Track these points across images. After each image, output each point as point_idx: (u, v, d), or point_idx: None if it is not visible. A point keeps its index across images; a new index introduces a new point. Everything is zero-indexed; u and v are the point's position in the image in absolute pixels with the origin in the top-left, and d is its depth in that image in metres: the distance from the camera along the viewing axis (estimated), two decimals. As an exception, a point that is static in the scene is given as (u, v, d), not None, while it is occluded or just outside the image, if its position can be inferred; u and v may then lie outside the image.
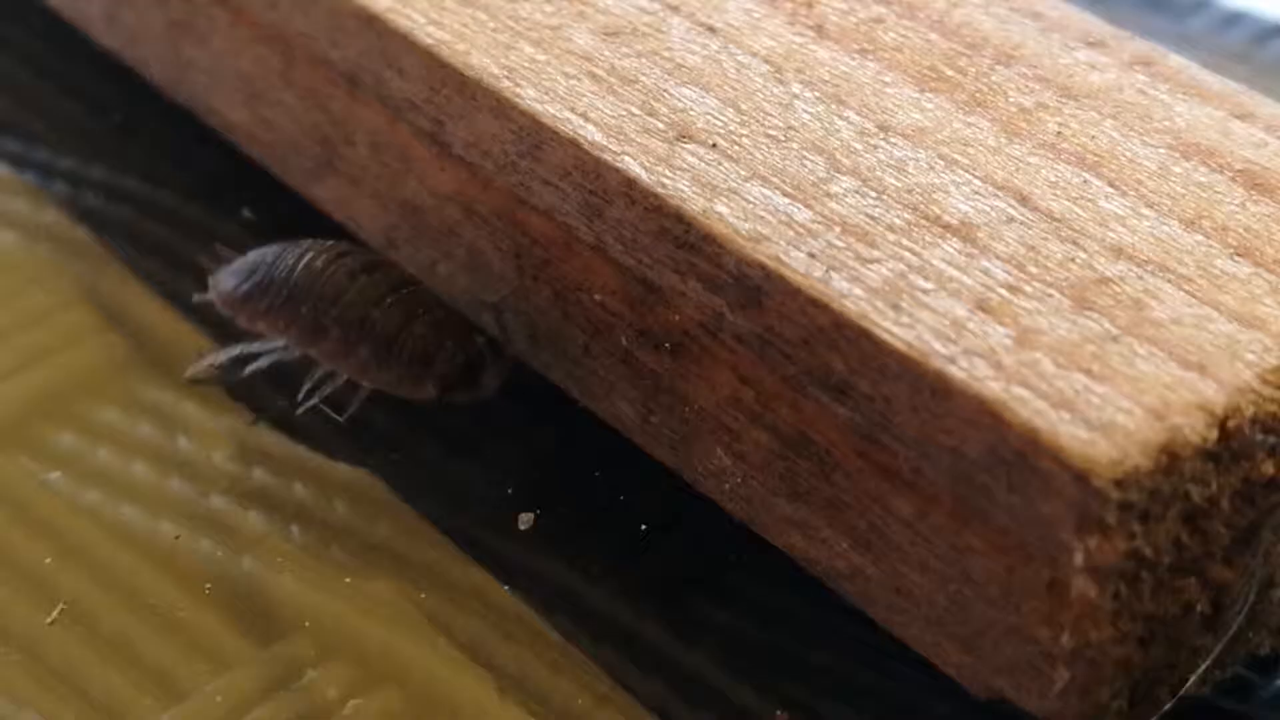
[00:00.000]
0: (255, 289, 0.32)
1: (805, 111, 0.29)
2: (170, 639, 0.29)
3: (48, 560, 0.31)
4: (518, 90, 0.30)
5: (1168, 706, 0.26)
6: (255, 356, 0.33)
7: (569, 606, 0.30)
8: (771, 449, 0.28)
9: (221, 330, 0.34)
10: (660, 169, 0.28)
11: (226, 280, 0.33)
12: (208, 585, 0.30)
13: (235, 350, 0.33)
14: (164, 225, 0.37)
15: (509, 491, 0.31)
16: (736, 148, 0.29)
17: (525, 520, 0.31)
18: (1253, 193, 0.28)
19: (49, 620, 0.30)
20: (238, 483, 0.32)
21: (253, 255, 0.33)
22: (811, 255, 0.27)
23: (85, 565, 0.31)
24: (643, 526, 0.31)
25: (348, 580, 0.30)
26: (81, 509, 0.32)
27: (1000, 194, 0.28)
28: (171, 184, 0.38)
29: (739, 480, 0.29)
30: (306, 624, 0.30)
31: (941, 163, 0.28)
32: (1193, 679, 0.26)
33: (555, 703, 0.28)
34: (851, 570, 0.28)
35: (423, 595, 0.30)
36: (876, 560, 0.27)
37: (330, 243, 0.32)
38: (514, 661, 0.29)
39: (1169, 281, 0.26)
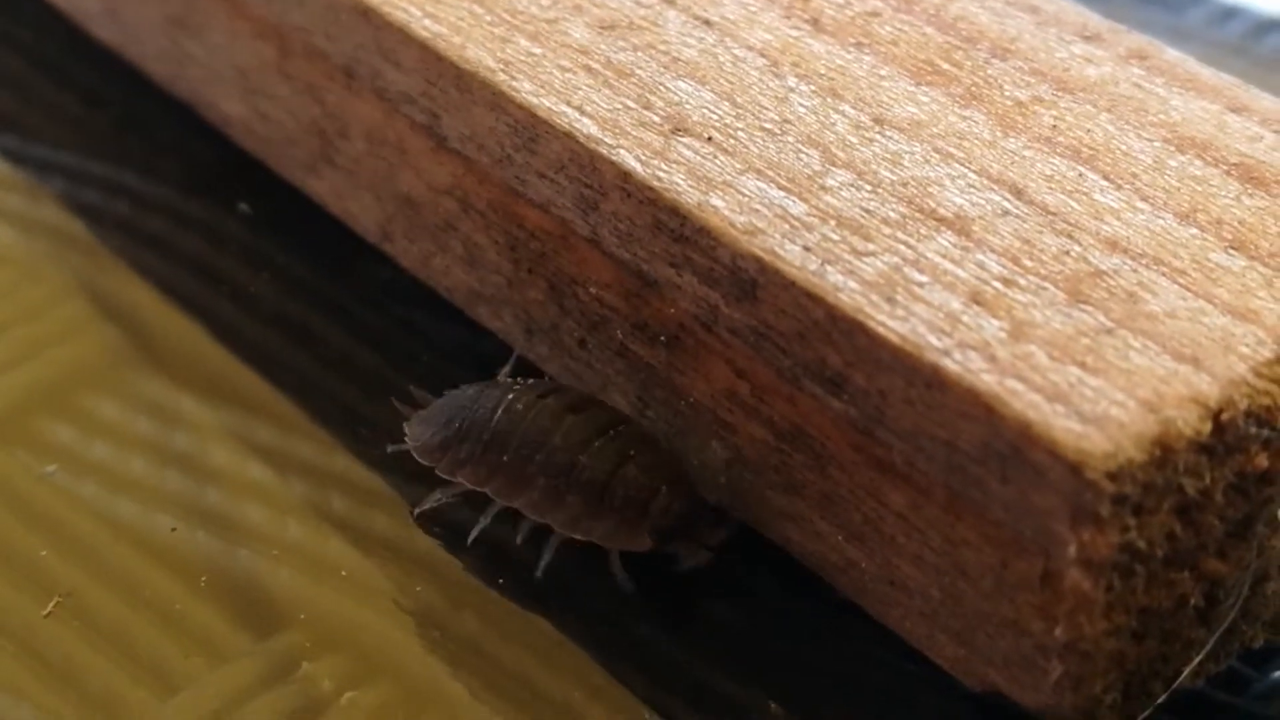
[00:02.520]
0: (453, 437, 0.30)
1: (801, 105, 0.30)
2: (166, 631, 0.29)
3: (44, 553, 0.31)
4: (514, 83, 0.30)
5: (1161, 699, 0.26)
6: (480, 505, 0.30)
7: (565, 601, 0.30)
8: (766, 442, 0.28)
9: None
10: (656, 162, 0.28)
11: (422, 428, 0.31)
12: (204, 578, 0.30)
13: (461, 487, 0.30)
14: (161, 219, 0.37)
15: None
16: (732, 141, 0.29)
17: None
18: (1248, 186, 0.28)
19: (45, 613, 0.30)
20: (235, 477, 0.32)
21: (448, 399, 0.31)
22: (806, 248, 0.27)
23: (82, 558, 0.31)
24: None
25: (344, 574, 0.30)
26: (78, 502, 0.32)
27: (995, 187, 0.28)
28: (168, 178, 0.38)
29: (734, 473, 0.29)
30: (302, 617, 0.30)
31: (937, 156, 0.28)
32: (1186, 672, 0.26)
33: (550, 696, 0.29)
34: (845, 563, 0.28)
35: (419, 588, 0.30)
36: (870, 553, 0.27)
37: (530, 382, 0.30)
38: (509, 655, 0.29)
39: (1163, 275, 0.26)
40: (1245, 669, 0.29)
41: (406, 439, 0.31)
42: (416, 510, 0.31)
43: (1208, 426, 0.24)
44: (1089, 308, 0.26)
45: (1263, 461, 0.25)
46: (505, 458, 0.29)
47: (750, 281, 0.27)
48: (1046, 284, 0.26)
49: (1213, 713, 0.28)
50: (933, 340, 0.25)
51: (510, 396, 0.30)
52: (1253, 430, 0.25)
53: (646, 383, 0.30)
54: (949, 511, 0.26)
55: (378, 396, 0.34)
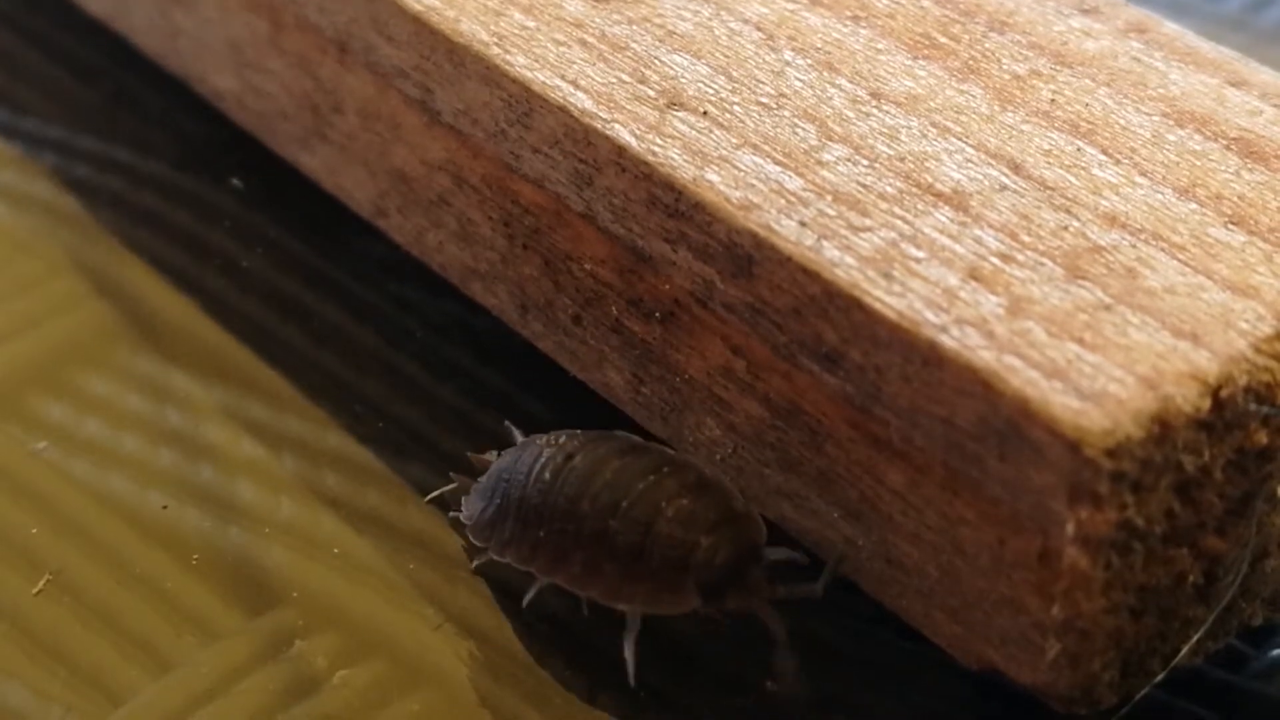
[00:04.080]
0: (497, 515, 0.28)
1: (797, 79, 0.29)
2: (158, 609, 0.29)
3: (34, 530, 0.31)
4: (507, 57, 0.30)
5: (1160, 678, 0.26)
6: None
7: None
8: (763, 419, 0.28)
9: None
10: (651, 137, 0.28)
11: (473, 503, 0.29)
12: (195, 556, 0.30)
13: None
14: (153, 194, 0.37)
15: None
16: (728, 115, 0.28)
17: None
18: (1247, 161, 0.28)
19: (35, 590, 0.30)
20: (227, 454, 0.32)
21: (495, 464, 0.29)
22: (803, 224, 0.27)
23: (72, 535, 0.30)
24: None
25: (336, 551, 0.30)
26: (69, 479, 0.31)
27: (993, 162, 0.28)
28: (161, 152, 0.38)
29: (730, 451, 0.29)
30: (295, 594, 0.29)
31: (934, 130, 0.28)
32: (1185, 650, 0.26)
33: (545, 674, 0.28)
34: (842, 541, 0.27)
35: (412, 565, 0.30)
36: (867, 531, 0.27)
37: (562, 438, 0.28)
38: (503, 632, 0.29)
39: (1162, 250, 0.26)
40: (1244, 647, 0.28)
41: (463, 517, 0.29)
42: (474, 564, 0.29)
43: (1207, 403, 0.24)
44: (1087, 283, 0.26)
45: (1262, 438, 0.25)
46: (541, 534, 0.28)
47: (746, 257, 0.27)
48: (1044, 259, 0.26)
49: (1211, 690, 0.28)
50: (930, 316, 0.25)
51: (541, 461, 0.28)
52: (1252, 407, 0.25)
53: (641, 359, 0.29)
54: (946, 489, 0.25)
55: (371, 372, 0.33)
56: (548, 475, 0.28)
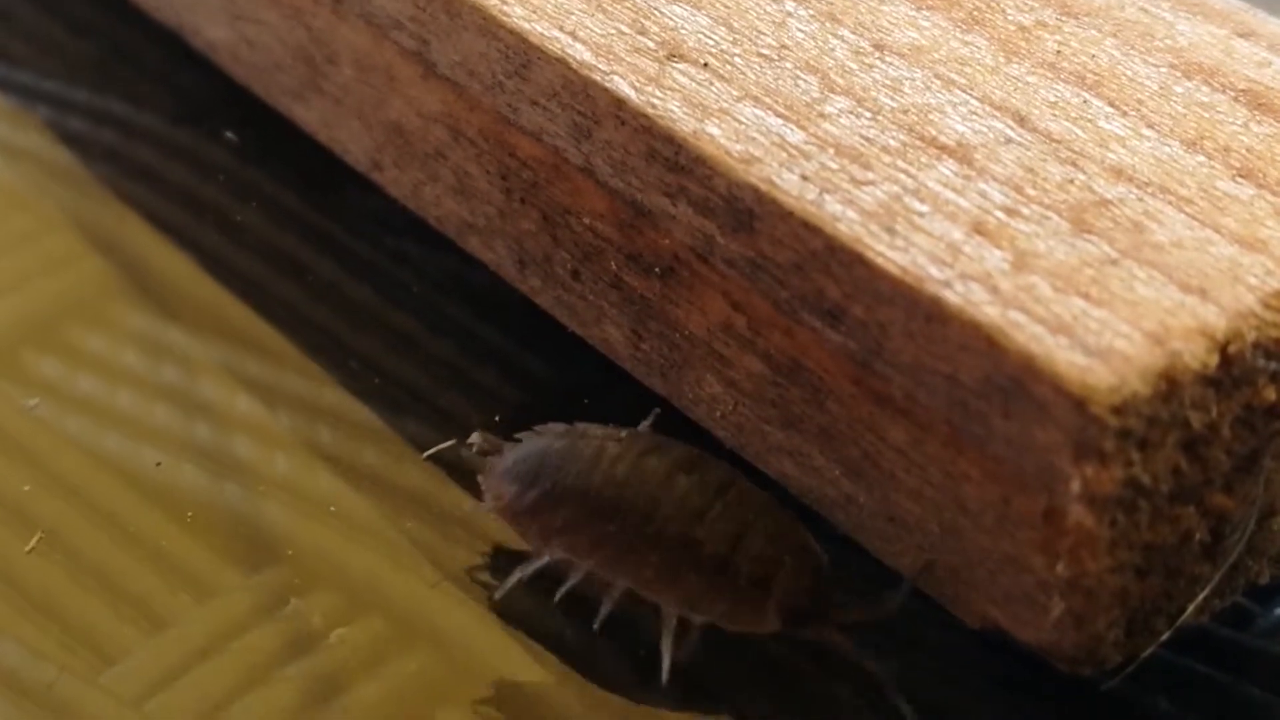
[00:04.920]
0: (545, 500, 0.27)
1: (799, 30, 0.29)
2: (152, 567, 0.29)
3: (27, 488, 0.30)
4: (505, 8, 0.29)
5: (1165, 637, 0.25)
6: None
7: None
8: (764, 376, 0.27)
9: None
10: (650, 89, 0.28)
11: (505, 484, 0.27)
12: (190, 513, 0.30)
13: (541, 563, 0.27)
14: (148, 147, 0.37)
15: (496, 419, 0.31)
16: (728, 67, 0.28)
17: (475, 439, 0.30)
18: (1256, 113, 0.27)
19: (28, 549, 0.29)
20: (222, 410, 0.32)
21: (531, 448, 0.27)
22: (804, 177, 0.26)
23: (66, 493, 0.30)
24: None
25: (332, 509, 0.30)
26: (63, 436, 0.31)
27: (998, 114, 0.27)
28: (155, 106, 0.38)
29: (730, 408, 0.28)
30: (290, 552, 0.29)
31: (938, 82, 0.28)
32: (1191, 608, 0.25)
33: (542, 631, 0.28)
34: (844, 499, 0.27)
35: (409, 523, 0.30)
36: (869, 488, 0.27)
37: (624, 434, 0.27)
38: (497, 587, 0.29)
39: (1170, 204, 0.26)
40: (1251, 605, 0.28)
41: (485, 495, 0.28)
42: (497, 594, 0.28)
43: (1215, 359, 0.24)
44: (1093, 238, 0.25)
45: (1270, 395, 0.25)
46: (612, 528, 0.26)
47: (747, 211, 0.27)
48: (1050, 213, 0.26)
49: (1217, 649, 0.28)
50: (933, 271, 0.25)
51: (610, 455, 0.27)
52: (1261, 363, 0.24)
53: (641, 315, 0.29)
54: (949, 446, 0.25)
55: (368, 328, 0.33)
56: (623, 470, 0.26)
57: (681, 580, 0.26)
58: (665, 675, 0.26)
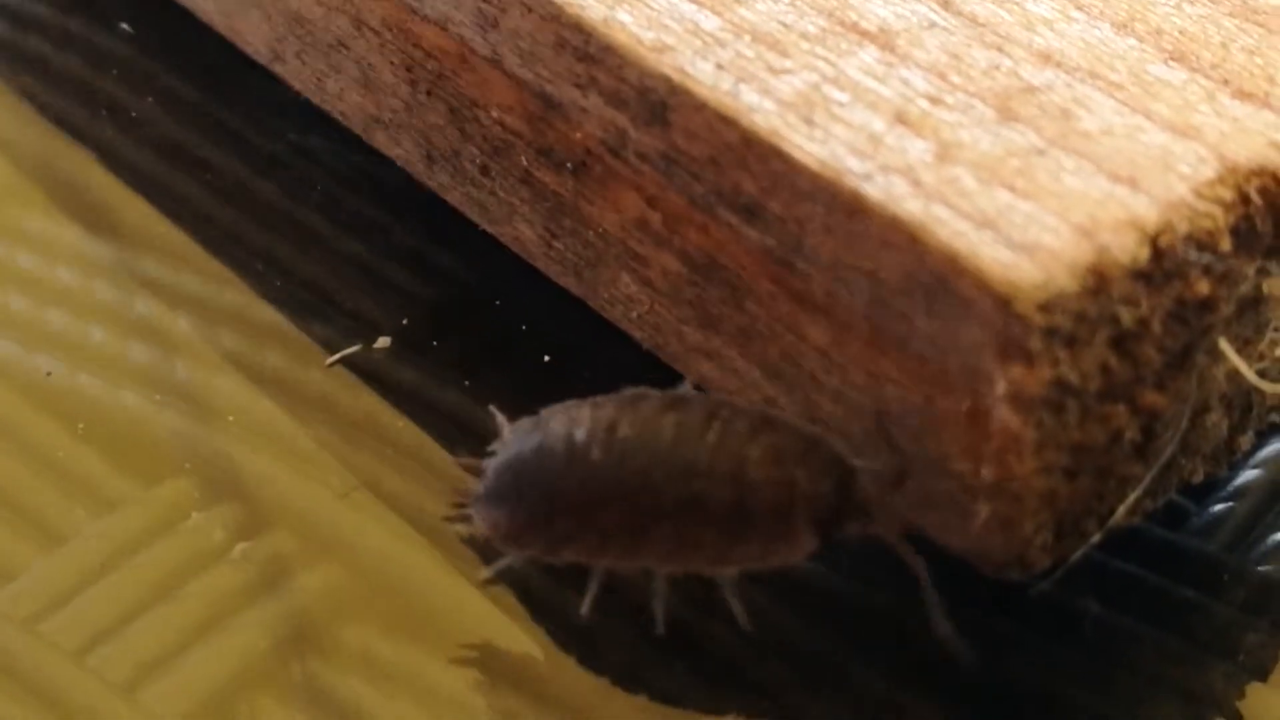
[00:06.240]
0: (536, 516, 0.25)
1: (714, -90, 0.28)
2: (47, 480, 0.28)
3: (-88, 398, 0.29)
4: (405, -111, 0.28)
5: (1095, 540, 0.25)
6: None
7: (468, 439, 0.28)
8: (680, 274, 0.26)
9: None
10: (558, -27, 0.27)
11: (494, 511, 0.25)
12: (82, 424, 0.29)
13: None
14: (39, 38, 0.36)
15: (404, 322, 0.30)
16: (639, -50, 0.27)
17: (382, 342, 0.29)
18: (1189, -7, 0.27)
19: (-85, 463, 0.28)
20: (119, 314, 0.30)
21: (506, 459, 0.25)
22: (719, 66, 0.25)
23: (-46, 404, 0.29)
24: (545, 358, 0.29)
25: (233, 417, 0.29)
26: (-51, 343, 0.30)
27: (921, -3, 0.26)
28: (48, -4, 0.36)
29: (647, 308, 0.27)
30: (190, 464, 0.28)
31: (859, -36, 0.27)
32: (1121, 510, 0.25)
33: (448, 533, 0.27)
34: (765, 401, 0.26)
35: (315, 430, 0.29)
36: (789, 390, 0.26)
37: (583, 410, 0.25)
38: (410, 495, 0.28)
39: (1099, 89, 0.25)
40: (1186, 503, 0.27)
41: (482, 528, 0.26)
42: (486, 575, 0.26)
43: (1145, 252, 0.23)
44: (1020, 126, 0.24)
45: (1203, 288, 0.24)
46: (610, 518, 0.24)
47: (659, 103, 0.25)
48: (975, 101, 0.25)
49: (1150, 549, 0.27)
50: (853, 164, 0.24)
51: (577, 444, 0.24)
52: (1193, 255, 0.23)
53: (553, 212, 0.28)
54: (871, 347, 0.24)
55: (273, 226, 0.32)
56: (596, 453, 0.24)
57: (701, 540, 0.24)
58: (742, 620, 0.25)
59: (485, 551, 0.26)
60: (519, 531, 0.25)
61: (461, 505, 0.26)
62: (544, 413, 0.25)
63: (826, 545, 0.24)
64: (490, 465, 0.25)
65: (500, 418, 0.26)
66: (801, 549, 0.24)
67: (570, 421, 0.25)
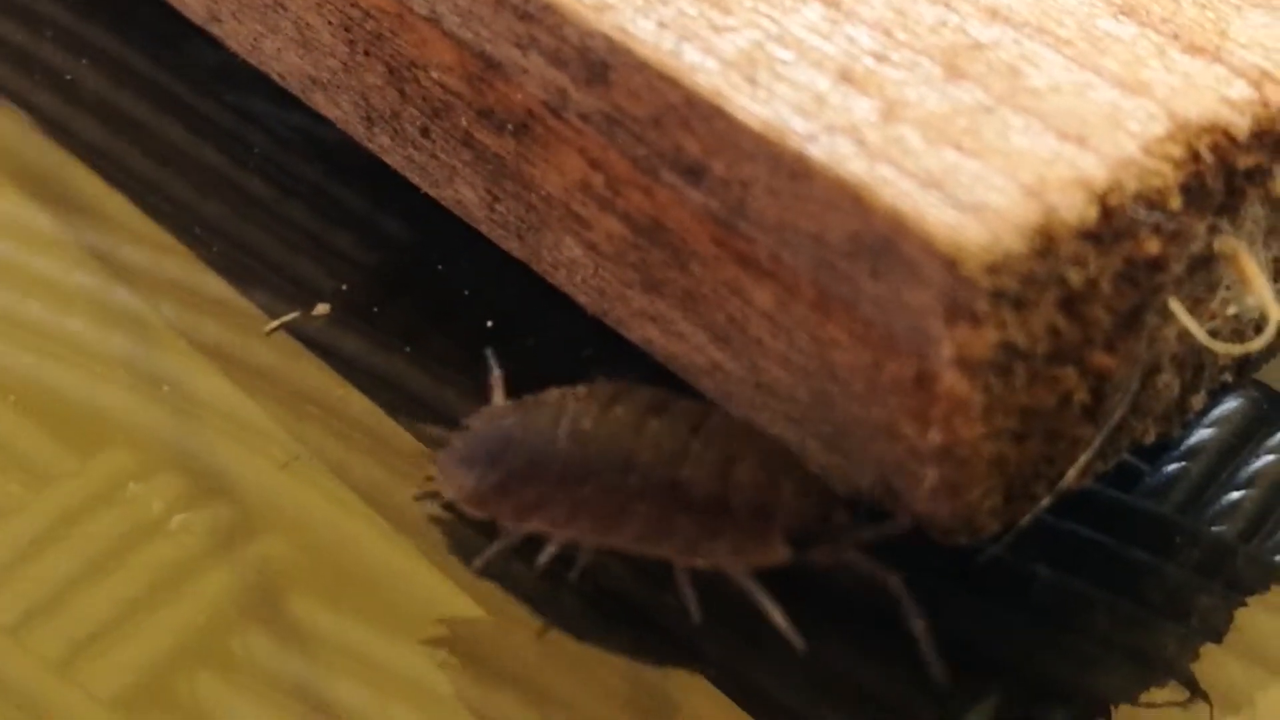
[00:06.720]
0: (510, 478, 0.25)
1: None
2: (-20, 453, 0.28)
3: None
4: None
5: (1044, 504, 0.24)
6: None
7: (413, 407, 0.28)
8: (624, 238, 0.26)
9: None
10: (496, -69, 0.26)
11: (464, 473, 0.25)
12: (13, 396, 0.28)
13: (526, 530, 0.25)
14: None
15: (343, 288, 0.29)
16: (579, -94, 0.26)
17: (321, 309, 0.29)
18: (1139, -55, 0.26)
19: None
20: (56, 283, 0.30)
21: (484, 430, 0.25)
22: (661, 24, 0.25)
23: (-116, 376, 0.29)
24: (489, 323, 0.29)
25: (166, 388, 0.28)
26: (-119, 314, 0.29)
27: (866, -47, 0.26)
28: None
29: (591, 271, 0.27)
30: (126, 435, 0.28)
31: (803, -81, 0.26)
32: (1072, 473, 0.24)
33: (402, 512, 0.27)
34: (710, 365, 0.26)
35: (256, 399, 0.28)
36: (736, 355, 0.25)
37: (580, 390, 0.25)
38: (354, 464, 0.27)
39: (1047, 45, 0.24)
40: (1139, 463, 0.27)
41: (442, 488, 0.25)
42: (476, 565, 0.26)
43: (1094, 212, 0.23)
44: (967, 84, 0.24)
45: (1153, 247, 0.23)
46: (588, 491, 0.24)
47: (600, 63, 0.25)
48: (921, 58, 0.24)
49: (1102, 511, 0.27)
50: (797, 124, 0.23)
51: (571, 414, 0.25)
52: (1142, 214, 0.23)
53: (495, 175, 0.27)
54: (817, 310, 0.24)
55: (212, 191, 0.31)
56: (588, 424, 0.24)
57: (676, 527, 0.24)
58: (694, 612, 0.25)
59: (449, 530, 0.26)
60: (490, 494, 0.25)
61: (430, 481, 0.25)
62: (527, 397, 0.25)
63: (795, 561, 0.24)
64: (462, 435, 0.25)
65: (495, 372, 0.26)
66: (772, 555, 0.24)
67: (569, 397, 0.25)
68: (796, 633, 0.24)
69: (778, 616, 0.24)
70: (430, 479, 0.26)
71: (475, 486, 0.25)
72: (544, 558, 0.25)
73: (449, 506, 0.26)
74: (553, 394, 0.25)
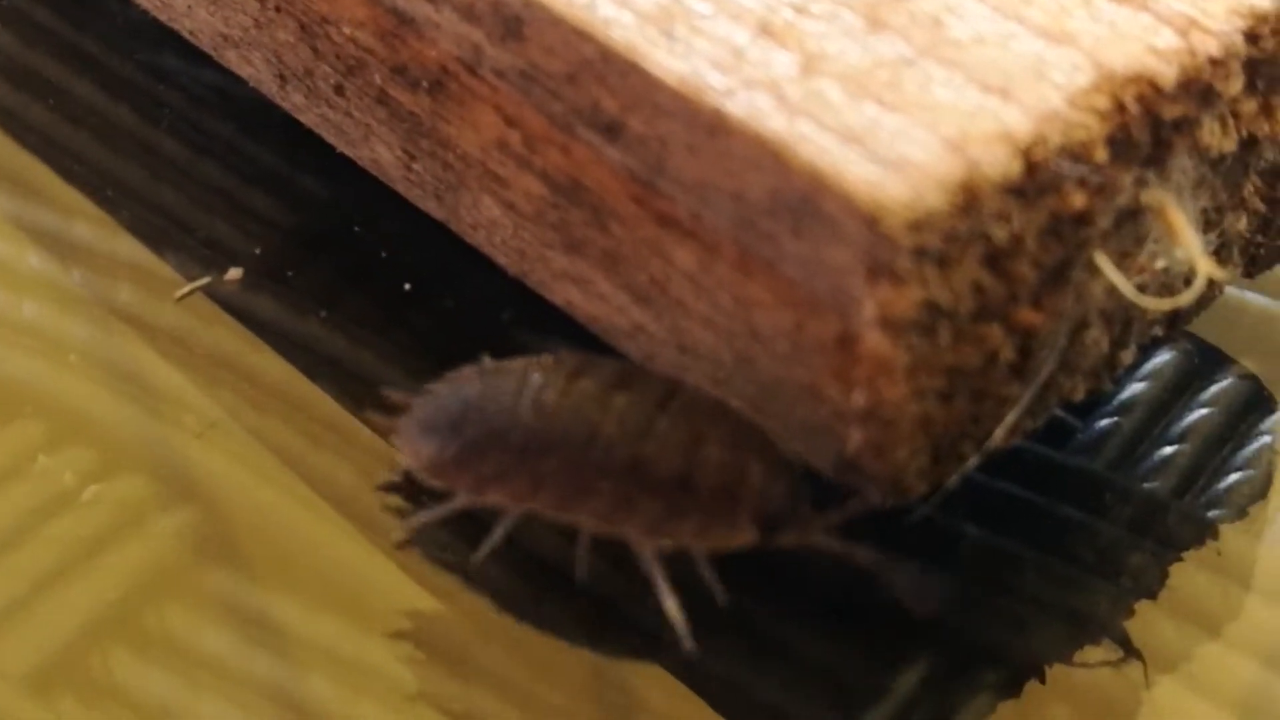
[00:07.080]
0: (470, 449, 0.24)
1: None
2: (-118, 429, 0.27)
3: None
4: None
5: (972, 463, 0.24)
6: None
7: (329, 370, 0.27)
8: (543, 197, 0.25)
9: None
10: (405, -118, 0.25)
11: (423, 441, 0.24)
12: (-88, 367, 0.27)
13: (457, 503, 0.25)
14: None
15: (258, 250, 0.29)
16: None
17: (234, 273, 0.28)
18: (1065, -109, 0.25)
19: None
20: (-38, 249, 0.29)
21: (445, 397, 0.24)
22: (575, -23, 0.24)
23: None
24: (406, 285, 0.28)
25: (74, 357, 0.27)
26: None
27: (786, -99, 0.25)
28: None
29: (510, 232, 0.26)
30: (34, 406, 0.27)
31: None
32: (999, 431, 0.24)
33: (324, 476, 0.26)
34: (633, 327, 0.25)
35: (170, 366, 0.27)
36: (658, 316, 0.25)
37: (545, 359, 0.24)
38: (271, 431, 0.27)
39: (971, -5, 0.24)
40: (1072, 419, 0.27)
41: (401, 456, 0.25)
42: (405, 532, 0.25)
43: (1017, 166, 0.22)
44: (888, 35, 0.23)
45: (1078, 201, 0.23)
46: (552, 464, 0.24)
47: (514, 18, 0.24)
48: (842, 10, 0.24)
49: (1033, 469, 0.26)
50: (714, 80, 0.23)
51: (535, 385, 0.24)
52: (1067, 168, 0.23)
53: (411, 133, 0.27)
54: (739, 270, 0.23)
55: (125, 151, 0.31)
56: (552, 396, 0.24)
57: (640, 506, 0.23)
58: (676, 619, 0.24)
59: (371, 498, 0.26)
60: (450, 463, 0.24)
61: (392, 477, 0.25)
62: (490, 362, 0.25)
63: (764, 540, 0.24)
64: (423, 401, 0.25)
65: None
66: (738, 536, 0.24)
67: (534, 367, 0.24)
68: (689, 629, 0.24)
69: (673, 609, 0.24)
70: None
71: (435, 456, 0.24)
72: (486, 548, 0.25)
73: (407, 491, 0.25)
74: (514, 363, 0.24)
